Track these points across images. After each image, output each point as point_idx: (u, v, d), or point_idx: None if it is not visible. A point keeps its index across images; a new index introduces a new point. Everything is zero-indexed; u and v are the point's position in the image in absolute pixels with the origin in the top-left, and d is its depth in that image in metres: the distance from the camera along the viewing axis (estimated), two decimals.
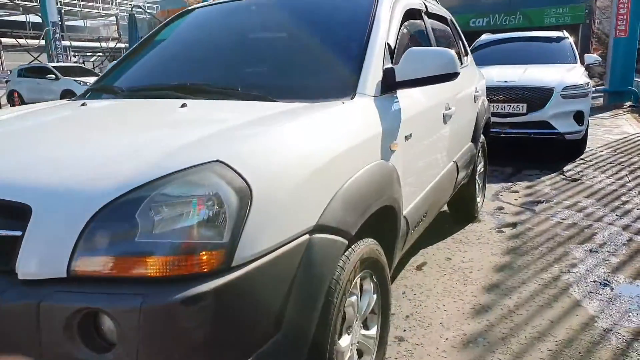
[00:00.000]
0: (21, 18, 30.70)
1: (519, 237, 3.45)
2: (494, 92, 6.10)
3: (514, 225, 3.72)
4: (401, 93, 2.06)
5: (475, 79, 3.58)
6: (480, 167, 3.97)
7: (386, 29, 2.11)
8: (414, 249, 3.26)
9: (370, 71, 1.89)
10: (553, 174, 5.26)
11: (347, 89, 1.81)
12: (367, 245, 1.62)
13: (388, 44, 2.09)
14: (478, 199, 3.94)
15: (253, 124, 1.42)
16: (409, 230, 2.08)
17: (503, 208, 4.15)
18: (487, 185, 4.79)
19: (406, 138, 1.98)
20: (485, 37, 8.14)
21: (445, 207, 3.94)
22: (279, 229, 1.19)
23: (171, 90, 1.92)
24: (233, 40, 2.25)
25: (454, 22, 3.73)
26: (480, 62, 7.38)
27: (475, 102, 3.45)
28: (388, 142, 1.79)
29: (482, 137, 3.81)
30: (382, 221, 1.84)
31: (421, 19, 2.77)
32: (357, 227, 1.47)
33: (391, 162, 1.81)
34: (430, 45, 2.76)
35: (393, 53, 2.12)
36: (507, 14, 20.59)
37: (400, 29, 2.34)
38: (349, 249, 1.50)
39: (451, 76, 2.00)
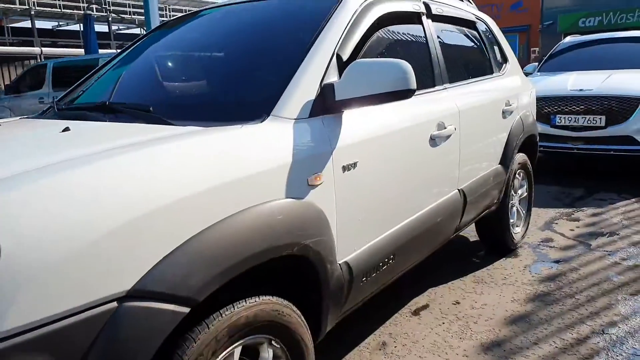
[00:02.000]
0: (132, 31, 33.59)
1: (556, 280, 2.87)
2: (566, 103, 5.35)
3: (556, 262, 3.11)
4: (353, 113, 1.72)
5: (508, 90, 3.05)
6: (521, 192, 3.40)
7: (338, 37, 1.78)
8: (420, 286, 2.83)
9: (297, 89, 1.58)
10: (631, 200, 4.43)
11: (259, 110, 1.52)
12: (256, 306, 1.32)
13: (339, 55, 1.76)
14: (517, 229, 3.38)
15: (84, 158, 1.17)
16: (355, 280, 1.72)
17: (552, 240, 3.53)
18: (543, 210, 4.17)
19: (346, 168, 1.63)
20: (569, 39, 7.24)
21: (477, 237, 3.44)
22: (59, 297, 0.95)
23: (91, 110, 1.76)
24: (169, 58, 2.06)
25: (488, 23, 3.23)
26: (559, 68, 6.59)
27: (505, 117, 2.93)
28: (304, 175, 1.47)
29: (522, 157, 3.25)
30: (295, 273, 1.53)
31: (418, 23, 2.37)
32: (211, 288, 1.17)
33: (309, 199, 1.49)
34: (430, 57, 2.35)
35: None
36: (624, 12, 18.38)
37: (372, 36, 1.99)
38: (213, 315, 1.22)
39: (404, 94, 1.63)
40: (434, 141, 2.15)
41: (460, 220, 2.49)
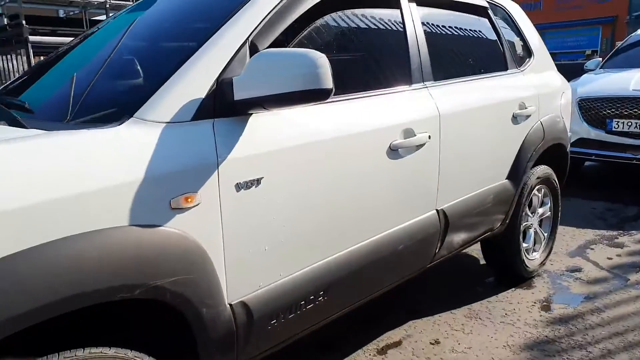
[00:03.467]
0: None
1: (569, 323, 2.36)
2: (626, 105, 4.63)
3: (576, 300, 2.59)
4: (266, 116, 1.38)
5: (524, 90, 2.54)
6: (542, 211, 2.88)
7: (255, 21, 1.44)
8: (400, 316, 2.43)
9: (178, 86, 1.26)
10: None
11: (121, 111, 1.21)
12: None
13: (254, 44, 1.42)
14: (534, 255, 2.87)
15: None
16: (258, 324, 1.38)
17: (580, 270, 2.98)
18: (581, 230, 3.60)
19: (242, 186, 1.29)
20: None
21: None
22: None
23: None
24: (73, 56, 1.79)
25: (507, 10, 2.72)
26: (626, 64, 5.76)
27: (517, 122, 2.44)
28: (165, 195, 1.15)
29: (544, 170, 2.74)
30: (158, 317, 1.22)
31: (395, 7, 1.96)
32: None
33: (172, 227, 1.17)
34: (406, 48, 1.94)
35: None
36: None
37: (315, 22, 1.63)
38: None
39: (316, 95, 1.27)
40: (395, 152, 1.75)
41: (438, 247, 2.06)
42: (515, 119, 2.43)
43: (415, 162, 1.85)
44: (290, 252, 1.46)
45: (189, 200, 1.19)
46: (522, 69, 2.66)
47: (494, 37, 2.54)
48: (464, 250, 3.03)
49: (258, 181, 1.33)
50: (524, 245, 2.76)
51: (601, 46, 21.90)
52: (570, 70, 6.06)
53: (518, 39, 2.76)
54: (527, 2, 24.93)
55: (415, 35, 1.99)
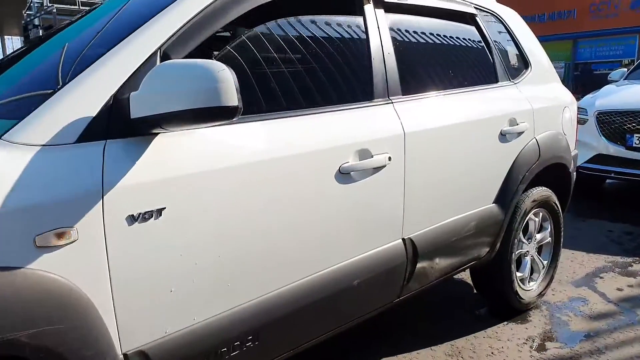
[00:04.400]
0: None
1: None
2: None
3: (575, 337, 2.31)
4: (175, 137, 1.21)
5: (516, 105, 2.30)
6: (540, 237, 2.61)
7: (170, 30, 1.27)
8: (371, 352, 2.21)
9: (61, 103, 1.10)
10: None
11: None
12: None
13: (167, 54, 1.25)
14: (531, 285, 2.60)
15: None
16: None
17: (585, 301, 2.69)
18: (592, 255, 3.31)
19: (136, 219, 1.12)
20: None
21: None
22: None
23: None
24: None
25: (500, 17, 2.48)
26: None
27: (507, 140, 2.20)
28: (29, 232, 0.99)
29: (542, 192, 2.47)
30: None
31: (357, 13, 1.77)
32: None
33: (39, 268, 1.00)
34: (368, 60, 1.74)
35: None
36: None
37: (252, 29, 1.46)
38: None
39: (220, 114, 1.09)
40: (346, 176, 1.55)
41: (406, 280, 1.84)
42: (504, 136, 2.19)
43: (373, 187, 1.64)
44: (207, 293, 1.28)
45: (62, 236, 1.02)
46: (516, 81, 2.41)
47: (482, 46, 2.31)
48: (456, 275, 2.79)
49: (159, 212, 1.16)
50: (518, 274, 2.49)
51: (638, 55, 21.04)
52: (606, 81, 5.70)
53: (513, 48, 2.52)
54: (560, 10, 24.25)
55: (381, 45, 1.79)
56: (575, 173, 2.83)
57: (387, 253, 1.73)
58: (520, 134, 2.27)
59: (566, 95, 2.76)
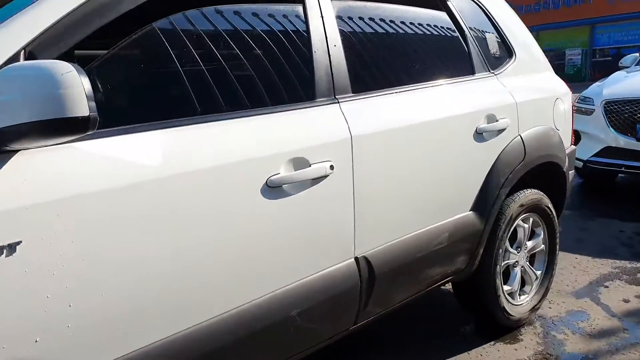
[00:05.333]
0: None
1: None
2: None
3: None
4: (59, 149, 1.00)
5: (495, 99, 2.03)
6: (532, 245, 2.34)
7: (39, 24, 1.06)
8: None
9: None
10: None
11: None
12: None
13: (29, 52, 1.04)
14: (522, 299, 2.34)
15: None
16: None
17: (585, 316, 2.41)
18: (597, 260, 3.04)
19: None
20: None
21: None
22: None
23: None
24: None
25: (479, 2, 2.22)
26: None
27: (484, 139, 1.94)
28: None
29: (532, 196, 2.21)
30: None
31: (295, 1, 1.54)
32: None
33: None
34: (308, 56, 1.50)
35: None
36: None
37: (157, 22, 1.25)
38: None
39: (67, 127, 0.88)
40: (277, 189, 1.32)
41: (362, 304, 1.60)
42: (481, 135, 1.93)
43: (313, 200, 1.41)
44: (84, 340, 1.07)
45: None
46: (496, 72, 2.15)
47: (454, 34, 2.05)
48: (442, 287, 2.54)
49: (11, 247, 0.95)
50: (506, 288, 2.23)
51: None
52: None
53: (494, 35, 2.26)
54: None
55: (325, 35, 1.55)
56: (571, 172, 2.56)
57: (335, 276, 1.50)
58: (500, 131, 2.01)
59: (559, 85, 2.48)
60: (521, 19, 2.50)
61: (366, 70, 1.67)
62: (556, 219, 2.41)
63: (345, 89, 1.57)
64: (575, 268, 2.97)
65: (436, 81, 1.88)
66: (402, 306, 1.82)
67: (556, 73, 2.59)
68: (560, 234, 2.52)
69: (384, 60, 1.75)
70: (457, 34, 2.05)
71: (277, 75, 1.45)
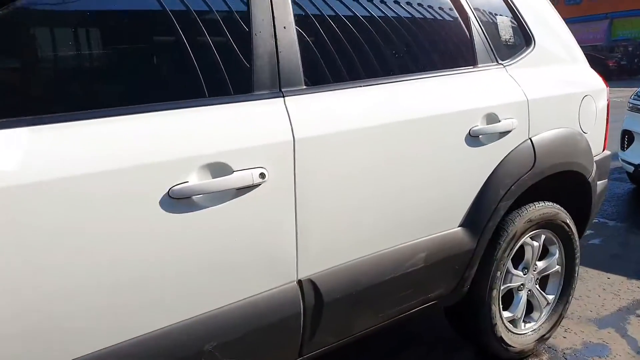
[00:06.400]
0: None
1: None
2: None
3: None
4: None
5: (496, 96, 1.70)
6: (542, 266, 2.01)
7: None
8: None
9: None
10: None
11: None
12: None
13: None
14: (528, 327, 2.02)
15: None
16: None
17: (606, 351, 2.06)
18: (636, 282, 2.63)
19: None
20: None
21: None
22: None
23: None
24: None
25: None
26: None
27: (480, 144, 1.63)
28: None
29: (545, 210, 1.88)
30: None
31: None
32: None
33: None
34: (251, 41, 1.26)
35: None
36: None
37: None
38: None
39: None
40: (184, 202, 1.10)
41: (307, 335, 1.37)
42: (476, 138, 1.62)
43: (237, 214, 1.18)
44: None
45: None
46: (506, 63, 1.81)
47: (452, 15, 1.73)
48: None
49: None
50: (506, 315, 1.92)
51: None
52: None
53: (508, 18, 1.91)
54: None
55: (272, 15, 1.30)
56: (601, 182, 2.18)
57: (268, 302, 1.28)
58: (503, 134, 1.69)
59: (590, 80, 2.10)
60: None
61: (328, 58, 1.41)
62: (576, 237, 2.06)
63: (295, 81, 1.32)
64: (605, 290, 2.58)
65: (421, 73, 1.58)
66: (382, 328, 1.58)
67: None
68: (582, 249, 2.16)
69: (352, 46, 1.47)
70: (456, 14, 1.73)
71: (201, 62, 1.21)
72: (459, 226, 1.66)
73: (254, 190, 1.20)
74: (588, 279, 2.71)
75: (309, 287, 1.34)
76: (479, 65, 1.74)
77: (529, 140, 1.78)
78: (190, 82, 1.19)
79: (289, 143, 1.25)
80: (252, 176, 1.18)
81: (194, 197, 1.12)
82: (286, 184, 1.25)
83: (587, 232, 3.29)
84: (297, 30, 1.35)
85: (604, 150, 2.20)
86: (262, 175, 1.19)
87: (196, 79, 1.19)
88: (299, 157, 1.26)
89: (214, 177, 1.14)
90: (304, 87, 1.34)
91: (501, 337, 1.89)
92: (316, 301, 1.35)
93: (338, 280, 1.39)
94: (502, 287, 1.86)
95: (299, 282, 1.33)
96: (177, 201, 1.10)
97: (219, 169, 1.14)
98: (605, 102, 2.14)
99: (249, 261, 1.23)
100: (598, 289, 2.59)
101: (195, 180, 1.11)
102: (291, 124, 1.26)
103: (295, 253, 1.30)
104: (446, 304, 1.80)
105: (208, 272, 1.17)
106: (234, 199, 1.17)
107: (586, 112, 2.01)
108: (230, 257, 1.20)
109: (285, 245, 1.28)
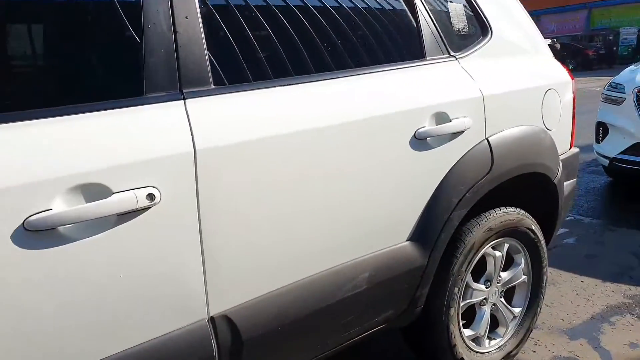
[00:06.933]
0: None
1: None
2: None
3: None
4: None
5: (455, 91, 1.52)
6: (506, 277, 1.83)
7: None
8: None
9: None
10: None
11: None
12: None
13: None
14: (491, 345, 1.85)
15: None
16: None
17: None
18: (611, 285, 2.49)
19: None
20: None
21: None
22: None
23: None
24: None
25: None
26: None
27: (426, 147, 1.44)
28: None
29: (510, 216, 1.70)
30: None
31: None
32: None
33: None
34: (141, 37, 1.05)
35: None
36: None
37: None
38: None
39: None
40: (49, 234, 0.89)
41: None
42: (423, 141, 1.43)
43: (129, 243, 0.98)
44: None
45: None
46: (459, 55, 1.63)
47: (397, 5, 1.54)
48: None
49: None
50: (467, 332, 1.75)
51: None
52: None
53: (461, 4, 1.72)
54: None
55: (170, 5, 1.09)
56: (569, 182, 2.01)
57: (172, 346, 1.07)
58: (455, 135, 1.50)
59: (554, 72, 1.92)
60: None
61: (242, 53, 1.20)
62: (543, 243, 1.89)
63: (200, 80, 1.12)
64: (579, 295, 2.43)
65: (355, 69, 1.39)
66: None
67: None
68: (549, 254, 1.99)
69: (272, 38, 1.27)
70: (404, 5, 1.54)
71: (73, 60, 1.00)
72: (406, 240, 1.47)
73: (142, 214, 0.99)
74: (561, 282, 2.56)
75: (224, 325, 1.14)
76: (428, 59, 1.55)
77: (486, 141, 1.59)
78: (58, 84, 0.98)
79: (189, 155, 1.04)
80: (137, 198, 0.97)
81: (59, 228, 0.91)
82: (186, 206, 1.05)
83: (561, 230, 3.18)
84: (203, 20, 1.14)
85: (571, 147, 2.03)
86: (151, 197, 0.99)
87: (66, 80, 0.98)
88: (202, 173, 1.06)
89: (87, 202, 0.93)
90: (212, 87, 1.13)
91: (462, 358, 1.71)
92: (233, 340, 1.15)
93: (260, 313, 1.19)
94: (461, 304, 1.69)
95: (211, 319, 1.13)
96: (36, 234, 0.88)
97: (93, 191, 0.94)
98: (571, 96, 1.97)
99: (144, 300, 1.03)
100: (571, 294, 2.44)
101: (60, 206, 0.90)
102: (192, 132, 1.06)
103: (203, 286, 1.10)
104: (398, 326, 1.61)
105: (86, 319, 0.96)
106: (115, 227, 0.97)
107: (550, 107, 1.83)
108: (116, 297, 0.99)
109: (189, 278, 1.08)
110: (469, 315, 1.79)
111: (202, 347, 1.11)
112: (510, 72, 1.74)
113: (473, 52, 1.67)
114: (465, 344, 1.74)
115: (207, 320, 1.12)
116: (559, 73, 1.93)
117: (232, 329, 1.15)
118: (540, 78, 1.84)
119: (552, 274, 2.62)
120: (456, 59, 1.61)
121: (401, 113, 1.38)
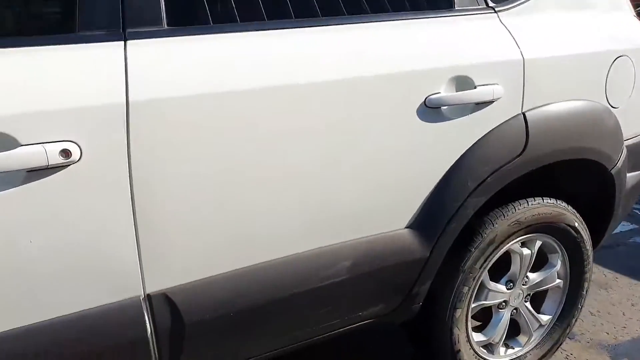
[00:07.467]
0: None
1: None
2: None
3: None
4: None
5: (484, 52, 1.23)
6: (535, 279, 1.55)
7: None
8: None
9: None
10: None
11: None
12: None
13: None
14: (508, 354, 1.60)
15: None
16: None
17: None
18: None
19: None
20: None
21: None
22: None
23: None
24: None
25: None
26: None
27: (440, 118, 1.18)
28: None
29: (546, 209, 1.42)
30: None
31: None
32: None
33: None
34: None
35: None
36: None
37: None
38: None
39: None
40: None
41: None
42: (436, 110, 1.17)
43: (39, 205, 0.85)
44: None
45: None
46: (501, 7, 1.31)
47: None
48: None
49: None
50: (478, 338, 1.51)
51: None
52: None
53: None
54: None
55: None
56: (634, 174, 1.65)
57: (99, 322, 0.95)
58: (481, 105, 1.22)
59: (628, 34, 1.54)
60: None
61: None
62: (588, 244, 1.57)
63: (149, 19, 0.93)
64: (634, 307, 2.07)
65: (353, 17, 1.13)
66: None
67: None
68: (593, 256, 1.68)
69: None
70: None
71: None
72: (405, 227, 1.24)
73: (58, 173, 0.85)
74: (616, 288, 2.20)
75: (162, 304, 1.00)
76: (456, 9, 1.26)
77: (522, 116, 1.29)
78: None
79: (119, 107, 0.88)
80: (47, 153, 0.82)
81: None
82: (114, 167, 0.89)
83: (628, 226, 2.75)
84: None
85: None
86: (66, 153, 0.84)
87: None
88: (136, 130, 0.89)
89: None
90: (164, 27, 0.95)
91: None
92: (173, 322, 1.01)
93: (209, 295, 1.03)
94: (472, 306, 1.44)
95: (147, 297, 0.99)
96: None
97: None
98: None
99: (62, 269, 0.90)
100: (625, 304, 2.09)
101: None
102: (127, 80, 0.89)
103: (137, 262, 0.95)
104: (392, 321, 1.41)
105: None
106: (23, 185, 0.83)
107: (618, 79, 1.47)
108: (28, 264, 0.87)
109: (118, 251, 0.93)
110: (487, 318, 1.55)
111: (135, 325, 0.98)
112: (568, 32, 1.40)
113: (520, 3, 1.34)
114: (474, 350, 1.50)
115: (144, 298, 0.98)
116: (635, 36, 1.55)
117: (173, 310, 1.00)
118: (610, 41, 1.47)
119: (606, 277, 2.27)
120: (495, 12, 1.30)
121: (404, 74, 1.12)
